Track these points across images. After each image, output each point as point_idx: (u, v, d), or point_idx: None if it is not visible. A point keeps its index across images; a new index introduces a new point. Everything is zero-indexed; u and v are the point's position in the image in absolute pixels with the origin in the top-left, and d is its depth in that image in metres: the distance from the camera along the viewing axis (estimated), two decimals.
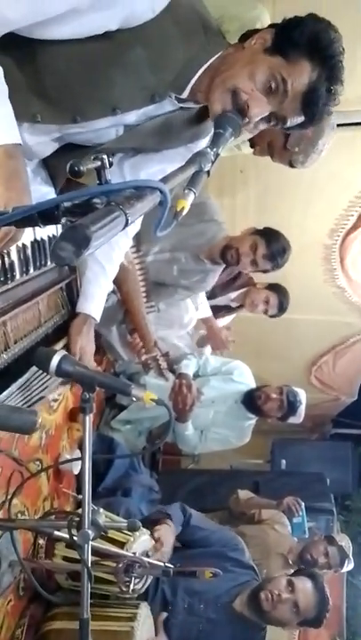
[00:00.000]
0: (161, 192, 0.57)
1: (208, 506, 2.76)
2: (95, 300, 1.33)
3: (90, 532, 0.93)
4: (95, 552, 1.31)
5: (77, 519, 0.96)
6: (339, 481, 4.07)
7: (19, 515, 1.54)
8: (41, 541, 1.69)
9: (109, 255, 1.33)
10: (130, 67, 0.94)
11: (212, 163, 0.90)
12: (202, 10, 0.97)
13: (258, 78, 0.93)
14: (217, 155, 0.91)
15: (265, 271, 2.23)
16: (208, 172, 0.89)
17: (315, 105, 0.95)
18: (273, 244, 2.12)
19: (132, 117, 1.02)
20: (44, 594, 1.09)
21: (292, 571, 2.47)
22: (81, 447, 1.03)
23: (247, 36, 0.99)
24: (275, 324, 3.65)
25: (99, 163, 0.52)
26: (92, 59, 0.93)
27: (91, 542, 0.98)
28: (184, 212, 0.82)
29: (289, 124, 1.01)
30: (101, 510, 1.05)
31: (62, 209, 0.51)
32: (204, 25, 0.97)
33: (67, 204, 0.51)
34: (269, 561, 2.54)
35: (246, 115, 0.95)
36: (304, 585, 1.95)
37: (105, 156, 0.52)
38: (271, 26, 0.98)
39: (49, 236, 1.21)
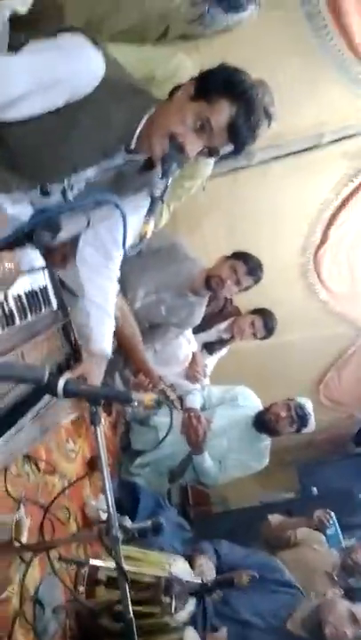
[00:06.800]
0: (116, 205, 0.72)
1: (246, 543, 2.73)
2: (106, 338, 1.44)
3: (119, 534, 1.00)
4: (134, 585, 1.35)
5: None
6: None
7: (54, 561, 1.58)
8: (81, 588, 1.72)
9: (106, 300, 1.46)
10: (83, 132, 1.13)
11: (164, 191, 1.08)
12: (128, 77, 1.18)
13: (188, 122, 1.13)
14: (166, 185, 1.10)
15: (248, 288, 2.37)
16: (162, 199, 1.07)
17: (238, 134, 1.14)
18: (249, 261, 2.30)
19: (90, 172, 1.20)
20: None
21: (339, 590, 2.43)
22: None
23: (174, 90, 1.19)
24: (272, 351, 3.75)
25: (63, 185, 0.66)
26: (51, 132, 1.12)
27: (128, 567, 1.05)
28: (148, 236, 1.00)
29: (221, 152, 1.19)
30: (127, 522, 1.13)
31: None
32: (133, 89, 1.17)
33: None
34: (315, 582, 2.49)
35: (184, 152, 1.14)
36: None
37: (67, 180, 0.66)
38: (192, 79, 1.18)
39: (40, 287, 1.36)
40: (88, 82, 1.05)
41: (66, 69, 1.01)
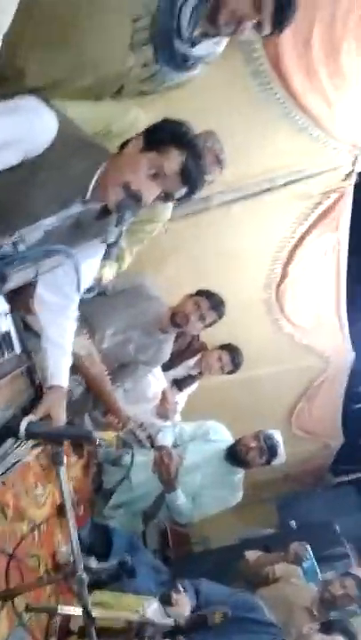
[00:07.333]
0: (67, 254, 0.78)
1: (226, 582, 2.70)
2: (63, 373, 1.46)
3: (84, 575, 1.01)
4: (107, 631, 1.34)
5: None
6: (351, 525, 4.01)
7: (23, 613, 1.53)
8: None
9: (62, 336, 1.51)
10: (42, 185, 1.21)
11: (118, 237, 1.16)
12: (80, 133, 1.27)
13: (143, 171, 1.22)
14: (121, 232, 1.18)
15: (212, 324, 2.44)
16: (116, 244, 1.14)
17: (190, 177, 1.25)
18: (211, 297, 2.39)
19: (50, 220, 1.27)
20: None
21: (318, 625, 2.41)
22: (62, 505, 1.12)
23: (125, 144, 1.29)
24: (242, 386, 3.81)
25: (14, 238, 0.72)
26: (8, 187, 1.19)
27: (98, 613, 1.05)
28: (104, 280, 1.07)
29: (177, 195, 1.29)
30: (93, 562, 1.13)
31: None
32: (86, 143, 1.26)
33: None
34: (294, 618, 2.47)
35: (141, 199, 1.22)
36: None
37: (17, 235, 0.72)
38: (140, 133, 1.28)
39: (2, 332, 1.39)
40: (42, 142, 1.14)
41: (21, 132, 1.09)
